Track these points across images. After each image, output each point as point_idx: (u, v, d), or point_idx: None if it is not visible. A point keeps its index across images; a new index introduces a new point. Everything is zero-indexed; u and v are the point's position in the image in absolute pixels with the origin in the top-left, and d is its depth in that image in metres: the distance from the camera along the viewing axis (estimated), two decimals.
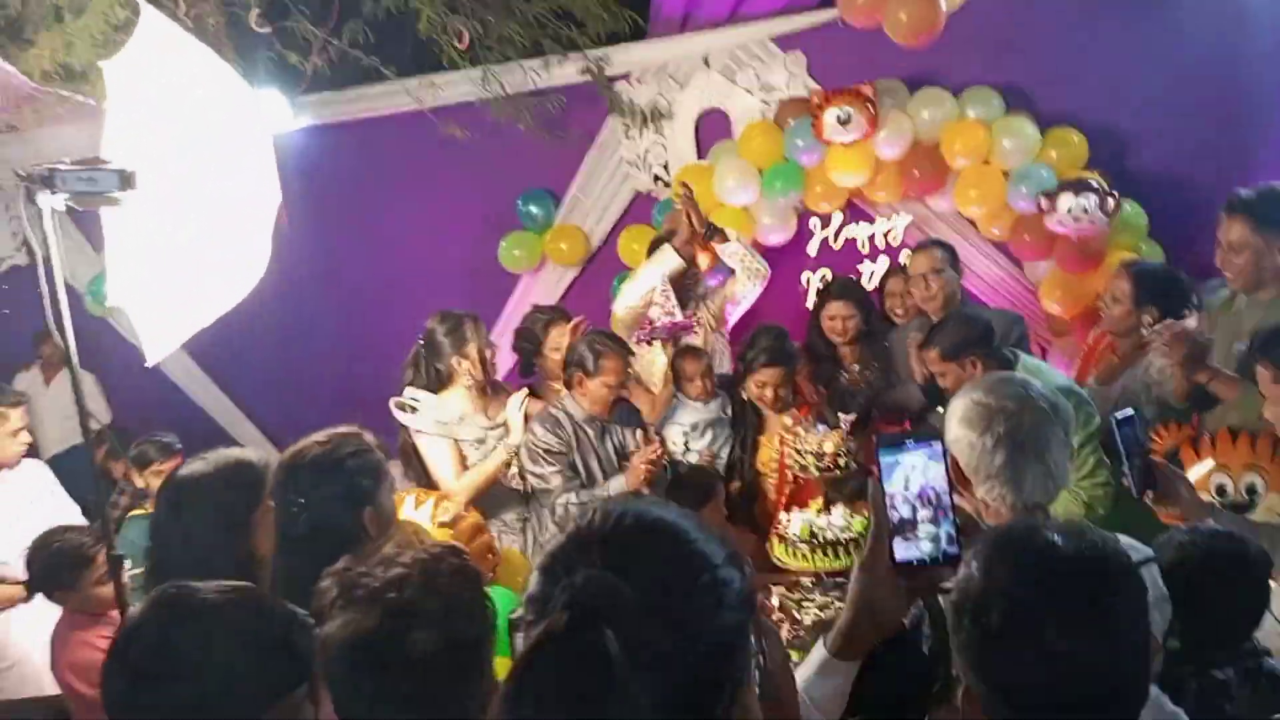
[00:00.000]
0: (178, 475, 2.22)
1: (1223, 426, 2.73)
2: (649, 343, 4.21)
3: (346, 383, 5.61)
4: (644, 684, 0.84)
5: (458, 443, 3.73)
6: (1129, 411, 2.22)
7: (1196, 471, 2.68)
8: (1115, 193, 4.28)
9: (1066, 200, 4.29)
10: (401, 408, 3.71)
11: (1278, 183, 3.13)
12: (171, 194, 2.38)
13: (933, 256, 3.95)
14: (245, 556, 2.08)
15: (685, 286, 4.28)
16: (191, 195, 2.42)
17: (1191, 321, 3.06)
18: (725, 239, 4.31)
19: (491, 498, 3.74)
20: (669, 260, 4.19)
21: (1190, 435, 2.80)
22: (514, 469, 3.77)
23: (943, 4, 4.20)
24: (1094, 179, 4.33)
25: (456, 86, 5.16)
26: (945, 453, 1.31)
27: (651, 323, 4.20)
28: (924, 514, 1.29)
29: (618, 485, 3.59)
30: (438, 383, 3.78)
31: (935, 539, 1.28)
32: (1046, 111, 4.70)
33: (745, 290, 4.40)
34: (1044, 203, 4.36)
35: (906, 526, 1.28)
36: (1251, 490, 2.63)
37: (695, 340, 4.21)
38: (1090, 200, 4.24)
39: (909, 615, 1.70)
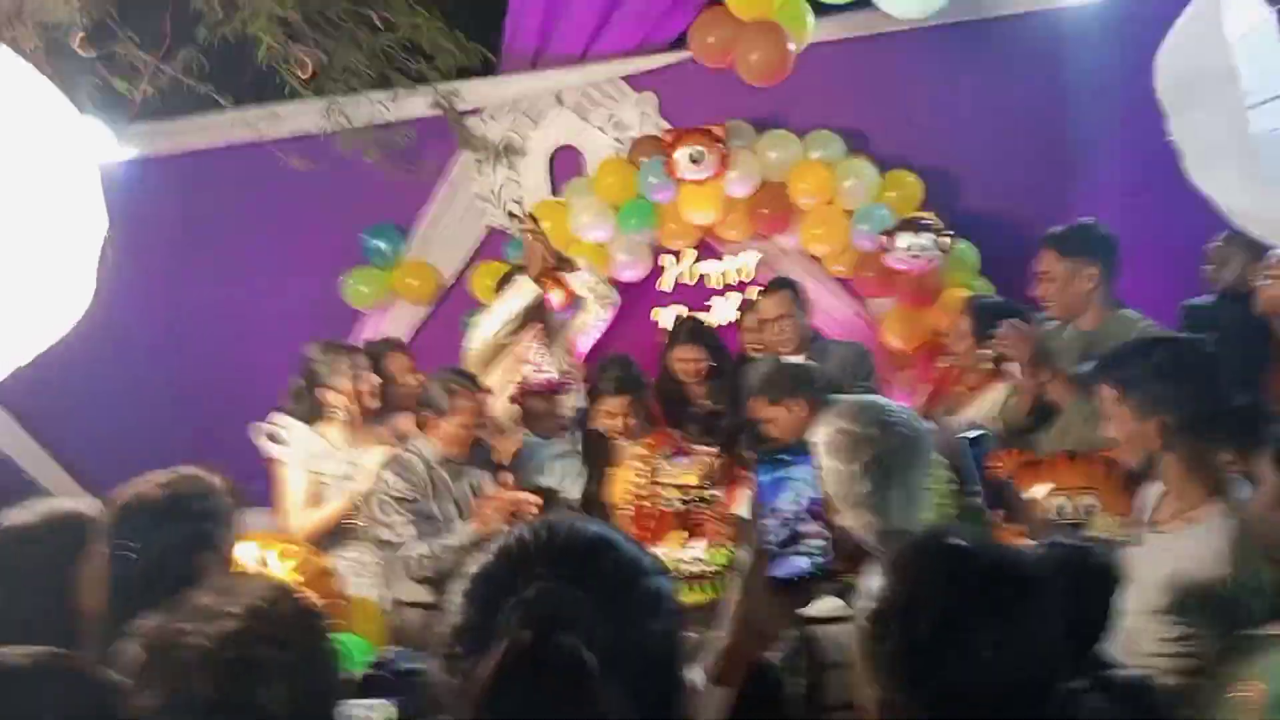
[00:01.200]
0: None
1: (1061, 449, 2.89)
2: (520, 403, 4.08)
3: (175, 426, 5.28)
4: (611, 690, 0.83)
5: (319, 478, 3.56)
6: (981, 431, 2.30)
7: (1036, 493, 2.82)
8: (950, 231, 4.51)
9: (905, 238, 4.50)
10: (271, 436, 3.54)
11: (1086, 219, 3.37)
12: None
13: (783, 299, 4.06)
14: (70, 613, 1.90)
15: (548, 328, 4.20)
16: (3, 224, 2.21)
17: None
18: (575, 267, 4.30)
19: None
20: (526, 291, 4.10)
21: (1031, 459, 2.94)
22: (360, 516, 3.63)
23: (791, 46, 4.35)
24: (929, 218, 4.56)
25: (299, 118, 4.97)
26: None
27: (524, 381, 4.06)
28: (803, 530, 1.30)
29: (467, 532, 3.45)
30: (313, 415, 3.65)
31: (811, 554, 1.31)
32: (884, 154, 4.93)
33: (596, 318, 4.40)
34: (884, 241, 4.55)
35: (785, 544, 1.30)
36: (1089, 510, 2.78)
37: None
38: (927, 238, 4.46)
39: (784, 645, 1.71)
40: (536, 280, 4.12)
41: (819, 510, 1.32)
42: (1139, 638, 2.18)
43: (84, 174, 2.39)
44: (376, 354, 4.00)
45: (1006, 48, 4.77)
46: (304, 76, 4.74)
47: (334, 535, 3.56)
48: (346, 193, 5.22)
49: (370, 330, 5.37)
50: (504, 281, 4.36)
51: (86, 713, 1.25)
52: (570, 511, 3.60)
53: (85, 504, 2.15)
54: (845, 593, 1.49)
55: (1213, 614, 2.04)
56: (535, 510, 3.46)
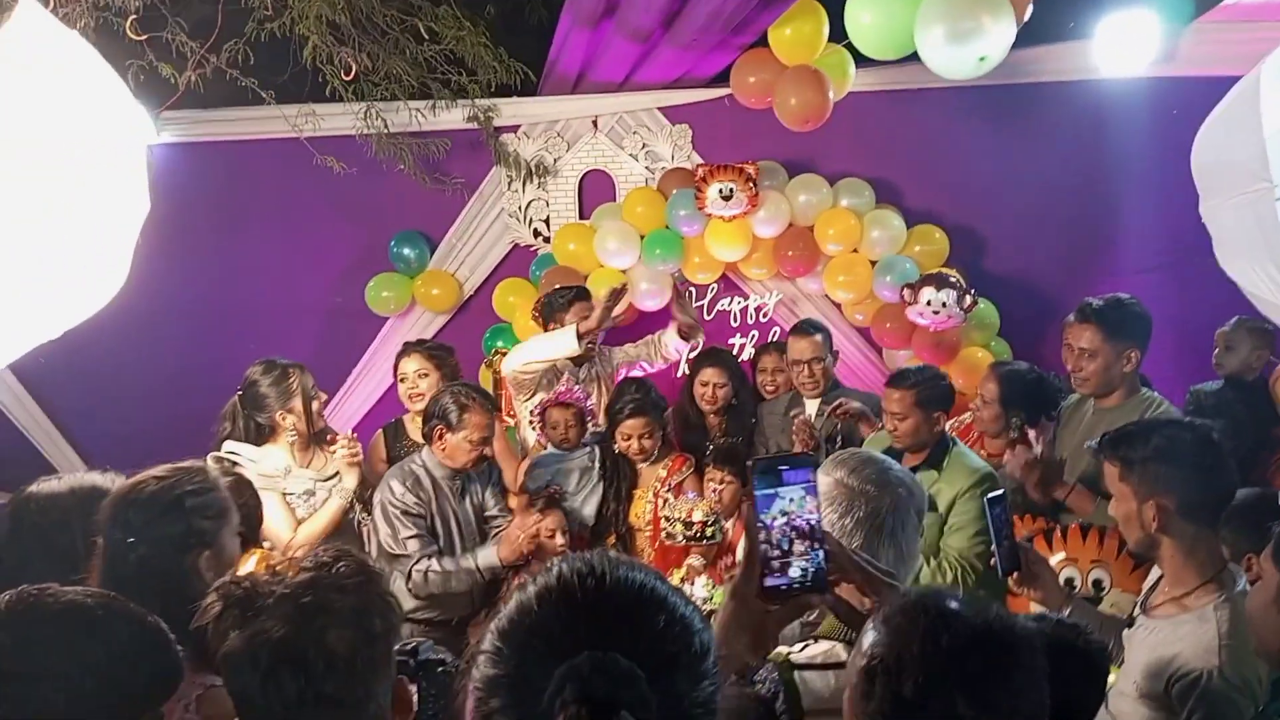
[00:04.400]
0: (28, 491, 2.04)
1: (1074, 522, 2.88)
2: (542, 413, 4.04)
3: (183, 415, 5.26)
4: None
5: (285, 496, 3.50)
6: (1000, 492, 2.30)
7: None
8: (973, 290, 4.52)
9: (928, 293, 4.50)
10: (220, 463, 3.40)
11: (1124, 295, 3.35)
12: (30, 196, 2.19)
13: (815, 343, 4.07)
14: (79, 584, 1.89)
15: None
16: (52, 199, 2.22)
17: (1037, 447, 3.21)
18: (685, 338, 4.34)
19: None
20: (566, 347, 3.96)
21: (1044, 528, 2.93)
22: (355, 514, 3.61)
23: (830, 94, 4.39)
24: (954, 275, 4.57)
25: (337, 119, 5.01)
26: (816, 483, 1.34)
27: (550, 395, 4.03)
28: (799, 546, 1.32)
29: (486, 557, 3.43)
30: (258, 435, 3.55)
31: (804, 566, 1.32)
32: (913, 208, 4.96)
33: (659, 363, 4.45)
34: (907, 294, 4.56)
35: (779, 557, 1.30)
36: (1098, 584, 2.77)
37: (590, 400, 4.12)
38: (950, 295, 4.46)
39: (766, 687, 1.71)
40: (588, 335, 3.98)
41: (814, 524, 1.32)
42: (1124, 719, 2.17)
43: (134, 155, 2.42)
44: (443, 354, 4.05)
45: (1043, 114, 4.82)
46: (346, 78, 4.78)
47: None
48: (377, 198, 5.26)
49: (388, 335, 5.39)
50: (545, 305, 4.33)
51: (142, 650, 1.40)
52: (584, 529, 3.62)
53: (110, 479, 2.16)
54: (836, 608, 1.50)
55: (1197, 707, 2.01)
56: (561, 541, 3.44)
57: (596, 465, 3.93)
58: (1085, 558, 2.70)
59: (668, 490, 3.80)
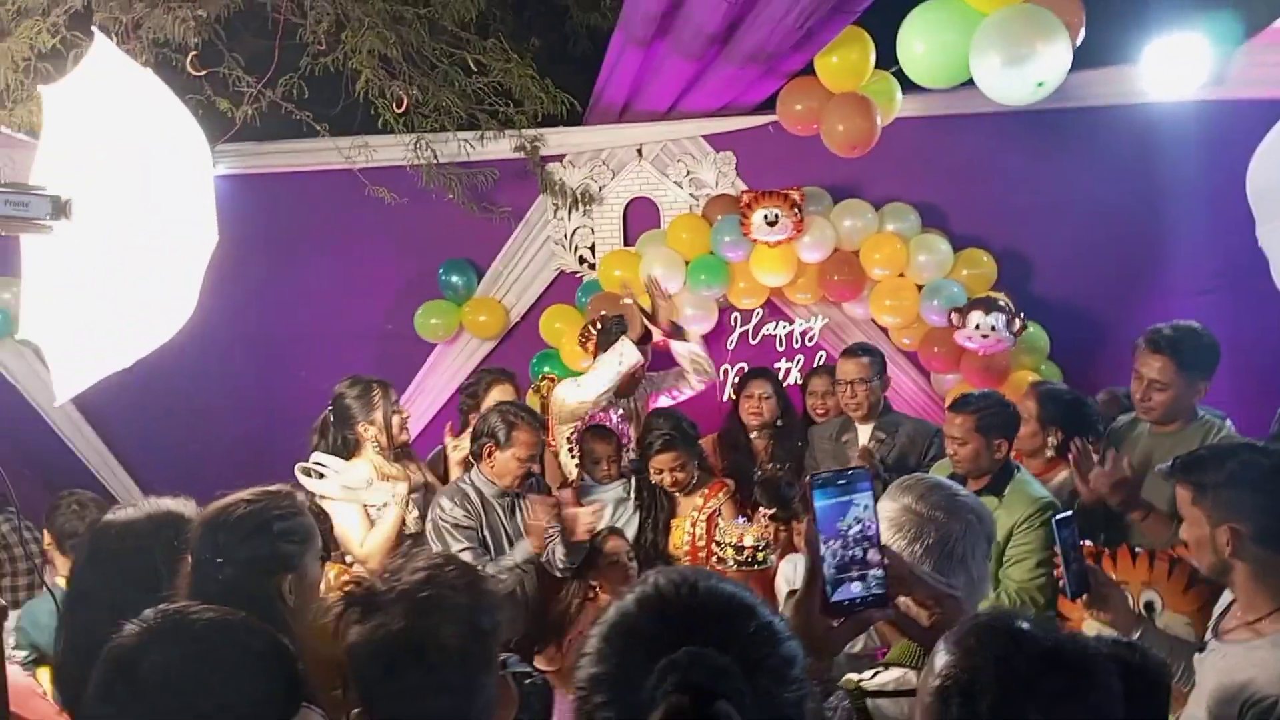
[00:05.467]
0: (105, 519, 2.11)
1: (1124, 544, 2.85)
2: (580, 444, 4.10)
3: (239, 440, 5.37)
4: None
5: (366, 509, 3.63)
6: (1068, 513, 2.28)
7: None
8: (1022, 314, 4.49)
9: (976, 317, 4.48)
10: (307, 473, 3.59)
11: (1195, 324, 3.29)
12: (105, 227, 2.26)
13: (861, 364, 4.06)
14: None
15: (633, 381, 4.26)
16: (126, 230, 2.30)
17: (1124, 464, 3.15)
18: (684, 338, 4.35)
19: None
20: (629, 356, 4.08)
21: (1093, 552, 2.90)
22: (413, 514, 3.67)
23: (878, 120, 4.41)
24: (1002, 299, 4.55)
25: (388, 150, 5.12)
26: (875, 497, 1.37)
27: (586, 421, 4.09)
28: (858, 558, 1.34)
29: (523, 550, 3.48)
30: (345, 449, 3.70)
31: (865, 581, 1.33)
32: (959, 232, 4.96)
33: (689, 388, 4.43)
34: (955, 318, 4.54)
35: (841, 570, 1.32)
36: (1150, 607, 2.73)
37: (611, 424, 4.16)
38: (999, 319, 4.44)
39: (838, 715, 1.70)
40: (639, 341, 4.13)
41: (875, 539, 1.34)
42: None
43: (204, 187, 2.50)
44: (490, 380, 4.12)
45: (1091, 138, 4.79)
46: (398, 110, 4.89)
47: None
48: (426, 226, 5.35)
49: (436, 361, 5.46)
50: (603, 336, 4.34)
51: (271, 667, 1.49)
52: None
53: (182, 504, 2.23)
54: (899, 623, 1.51)
55: None
56: (589, 521, 3.46)
57: (632, 496, 3.94)
58: (1136, 580, 2.67)
59: (703, 518, 3.81)
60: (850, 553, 1.34)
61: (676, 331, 4.40)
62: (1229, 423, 3.35)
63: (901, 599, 1.51)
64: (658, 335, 4.40)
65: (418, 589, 1.45)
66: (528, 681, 1.56)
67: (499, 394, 4.02)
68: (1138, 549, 2.80)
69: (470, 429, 3.79)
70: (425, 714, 1.39)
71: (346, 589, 1.50)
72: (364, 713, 1.45)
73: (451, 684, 1.40)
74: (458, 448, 3.97)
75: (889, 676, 1.72)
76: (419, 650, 1.39)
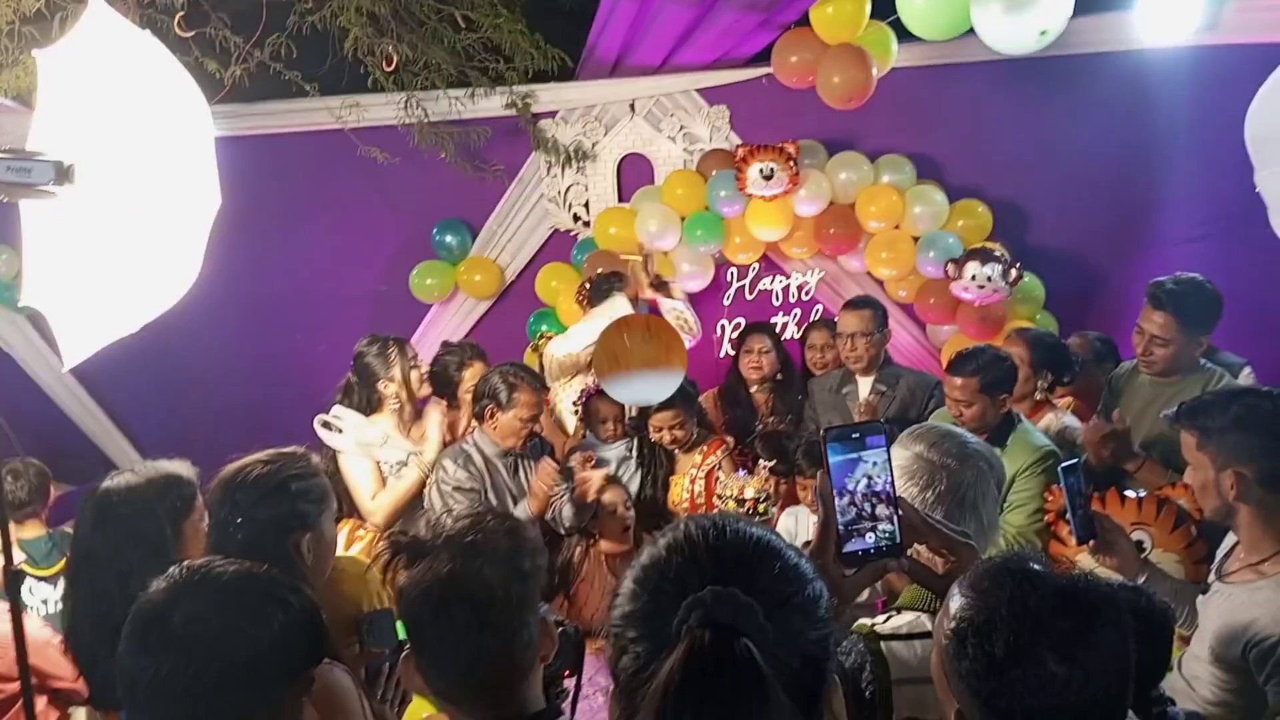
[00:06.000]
0: (105, 486, 2.13)
1: (1113, 487, 2.90)
2: (584, 404, 4.12)
3: (234, 404, 5.38)
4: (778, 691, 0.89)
5: (379, 465, 3.69)
6: (1075, 461, 2.31)
7: None
8: (1019, 264, 4.50)
9: (973, 268, 4.48)
10: (326, 425, 3.67)
11: (1198, 276, 3.30)
12: (106, 191, 2.25)
13: (863, 317, 4.07)
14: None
15: None
16: (128, 194, 2.29)
17: (1115, 416, 3.18)
18: (670, 294, 4.36)
19: None
20: (622, 310, 4.13)
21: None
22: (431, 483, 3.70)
23: (874, 71, 4.38)
24: (999, 249, 4.55)
25: (378, 109, 5.08)
26: (889, 448, 1.39)
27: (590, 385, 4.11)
28: (872, 510, 1.37)
29: (522, 512, 3.51)
30: (368, 408, 3.78)
31: (878, 532, 1.37)
32: (954, 183, 4.94)
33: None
34: (951, 269, 4.55)
35: (854, 522, 1.35)
36: (1140, 546, 2.79)
37: None
38: (995, 269, 4.44)
39: (851, 660, 1.74)
40: (633, 300, 4.21)
41: (890, 492, 1.36)
42: (1197, 683, 2.19)
43: (205, 150, 2.48)
44: (458, 363, 4.06)
45: (1085, 85, 4.76)
46: (387, 69, 4.83)
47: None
48: (419, 186, 5.32)
49: (433, 321, 5.46)
50: (595, 292, 4.37)
51: (295, 620, 1.54)
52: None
53: (180, 465, 2.26)
54: (913, 571, 1.54)
55: (1275, 671, 2.04)
56: (600, 484, 3.53)
57: (634, 454, 3.98)
58: (1126, 521, 2.72)
59: (702, 474, 3.84)
60: (871, 501, 1.36)
61: (662, 286, 4.41)
62: (1248, 369, 3.37)
63: (916, 546, 1.53)
64: (649, 293, 4.41)
65: (462, 535, 1.50)
66: (560, 630, 1.61)
67: (471, 376, 4.02)
68: (1127, 492, 2.85)
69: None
70: (472, 650, 1.45)
71: (392, 539, 1.55)
72: (414, 652, 1.50)
73: (496, 623, 1.45)
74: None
75: (902, 620, 1.75)
76: (466, 591, 1.45)
